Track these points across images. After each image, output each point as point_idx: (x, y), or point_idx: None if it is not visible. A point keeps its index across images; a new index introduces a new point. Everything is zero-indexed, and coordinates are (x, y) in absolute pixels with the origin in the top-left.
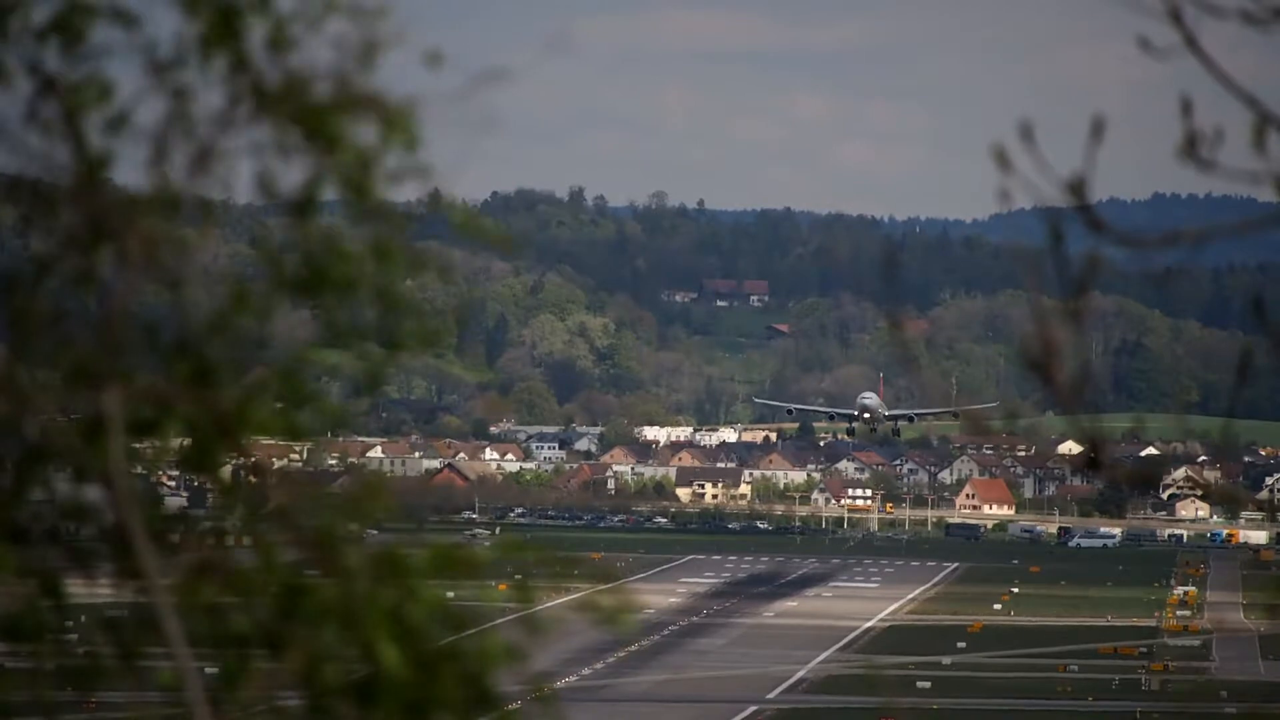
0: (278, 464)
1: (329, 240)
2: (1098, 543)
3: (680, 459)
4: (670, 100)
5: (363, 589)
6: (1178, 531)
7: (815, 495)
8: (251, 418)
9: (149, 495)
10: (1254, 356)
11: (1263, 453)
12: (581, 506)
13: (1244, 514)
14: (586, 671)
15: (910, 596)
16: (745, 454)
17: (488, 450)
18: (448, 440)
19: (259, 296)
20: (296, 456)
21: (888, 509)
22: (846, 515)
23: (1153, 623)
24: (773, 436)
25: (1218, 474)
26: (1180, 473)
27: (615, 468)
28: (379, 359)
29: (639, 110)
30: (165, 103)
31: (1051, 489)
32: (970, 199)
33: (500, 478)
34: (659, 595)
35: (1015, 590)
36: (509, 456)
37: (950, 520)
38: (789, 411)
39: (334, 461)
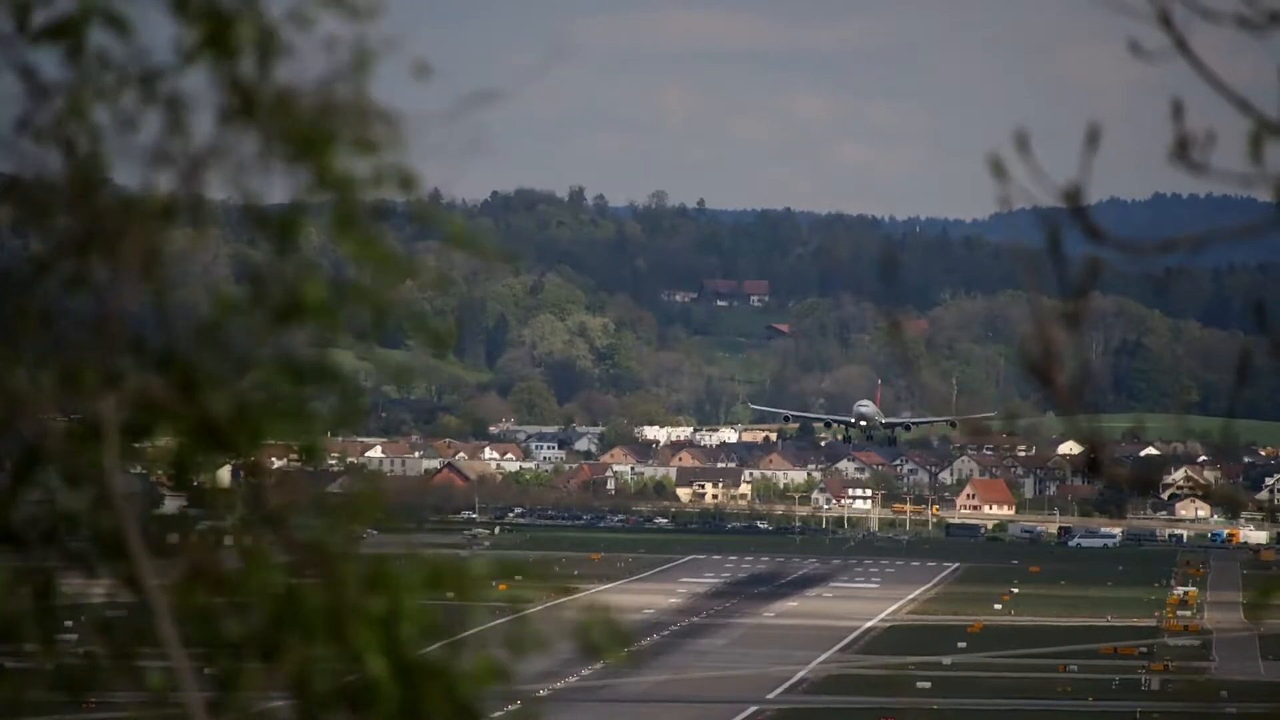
0: (276, 465)
1: (309, 270)
2: (1098, 543)
3: (680, 459)
4: (670, 100)
5: (353, 599)
6: (1178, 531)
7: (815, 495)
8: (246, 423)
9: (149, 497)
10: (1253, 357)
11: (1263, 453)
12: (581, 506)
13: (1244, 514)
14: (586, 671)
15: (910, 597)
16: (745, 454)
17: (487, 450)
18: (448, 440)
19: (246, 317)
20: (295, 457)
21: (897, 508)
22: (894, 518)
23: (1153, 623)
24: (773, 436)
25: (1218, 474)
26: (1180, 473)
27: (615, 468)
28: (396, 363)
29: (639, 110)
30: (158, 107)
31: (1052, 489)
32: (970, 199)
33: (500, 478)
34: (659, 595)
35: (1015, 590)
36: (509, 456)
37: (950, 520)
38: (785, 419)
39: (333, 461)
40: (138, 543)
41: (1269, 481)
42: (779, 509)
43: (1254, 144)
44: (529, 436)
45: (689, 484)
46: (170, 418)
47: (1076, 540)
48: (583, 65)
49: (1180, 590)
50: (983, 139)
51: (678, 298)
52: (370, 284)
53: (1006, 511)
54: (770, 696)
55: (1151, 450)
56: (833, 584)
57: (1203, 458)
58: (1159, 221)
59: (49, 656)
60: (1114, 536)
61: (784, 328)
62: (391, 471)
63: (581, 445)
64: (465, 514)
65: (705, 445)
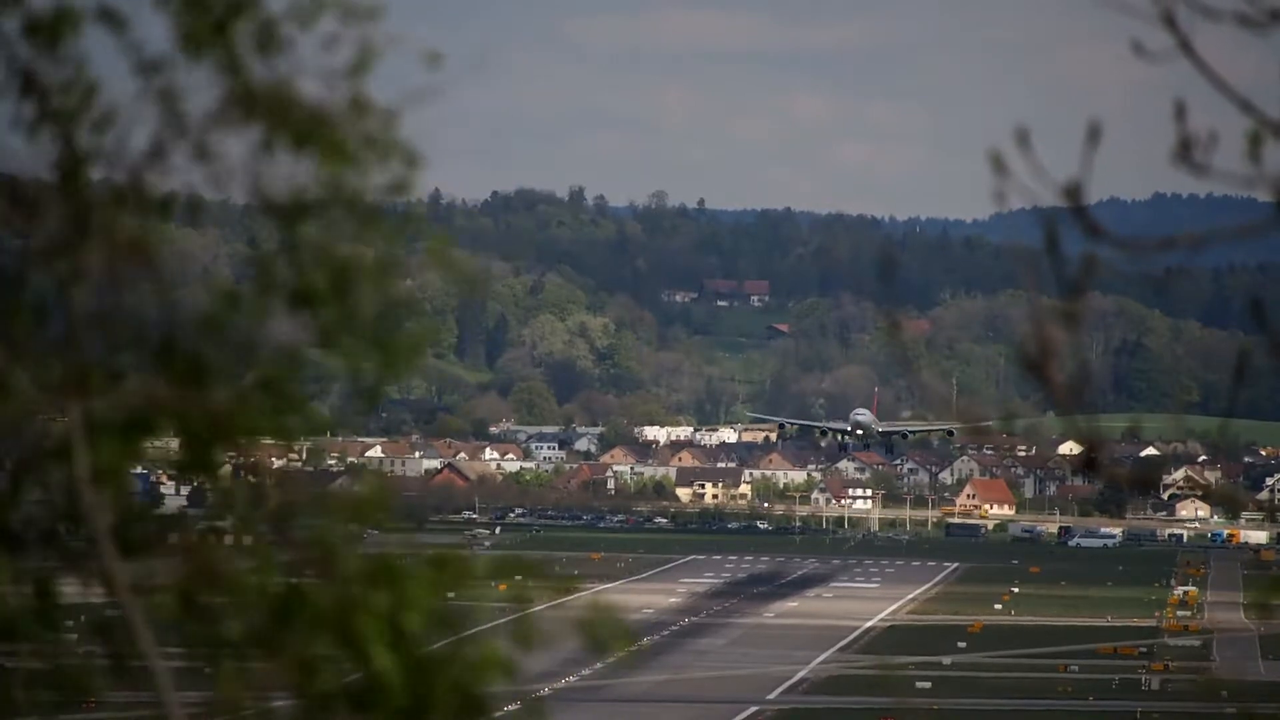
0: (277, 464)
1: (321, 249)
2: (1097, 543)
3: (680, 459)
4: (670, 100)
5: (357, 595)
6: (1178, 531)
7: (815, 495)
8: (243, 420)
9: (150, 496)
10: (1252, 357)
11: (1263, 453)
12: (581, 506)
13: (1244, 514)
14: (586, 671)
15: (910, 596)
16: (745, 454)
17: (488, 450)
18: (448, 440)
19: (250, 300)
20: (296, 457)
21: (946, 510)
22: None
23: (1153, 623)
24: (773, 436)
25: (1217, 474)
26: (1180, 473)
27: (615, 468)
28: (374, 370)
29: (639, 110)
30: (155, 103)
31: (1052, 489)
32: (970, 199)
33: (500, 478)
34: (659, 595)
35: (1015, 590)
36: (509, 456)
37: (950, 520)
38: (781, 426)
39: (334, 461)
40: (109, 547)
41: (1269, 481)
42: (779, 509)
43: (1254, 144)
44: (529, 437)
45: (689, 484)
46: (171, 414)
47: (1076, 540)
48: (583, 65)
49: (1180, 590)
50: (983, 139)
51: (678, 298)
52: (373, 271)
53: (1007, 511)
54: (770, 696)
55: (1151, 450)
56: (833, 584)
57: (1202, 458)
58: (1159, 221)
59: (48, 657)
60: (1114, 536)
61: (784, 328)
62: (391, 471)
63: (581, 445)
64: (466, 514)
65: (705, 445)
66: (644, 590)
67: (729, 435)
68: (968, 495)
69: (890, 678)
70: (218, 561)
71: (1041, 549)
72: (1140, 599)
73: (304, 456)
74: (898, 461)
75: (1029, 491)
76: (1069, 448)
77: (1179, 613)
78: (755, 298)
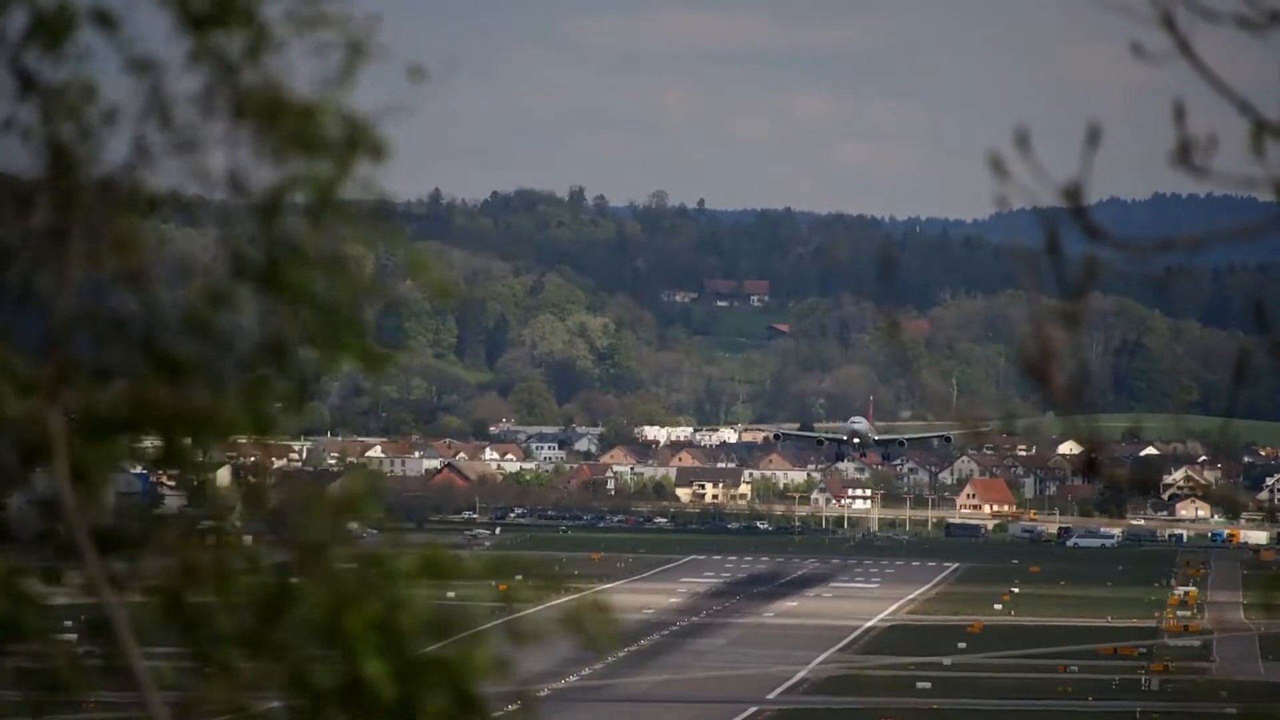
0: (276, 464)
1: (291, 239)
2: (1095, 543)
3: (680, 459)
4: (670, 100)
5: (347, 597)
6: (1178, 531)
7: (815, 495)
8: (225, 416)
9: (149, 496)
10: (1252, 357)
11: (1263, 453)
12: (581, 506)
13: (1244, 514)
14: (586, 671)
15: (910, 597)
16: (745, 454)
17: (488, 450)
18: (448, 440)
19: (220, 285)
20: (295, 456)
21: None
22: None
23: (1153, 623)
24: (772, 436)
25: (1217, 474)
26: (1180, 473)
27: (615, 468)
28: (313, 366)
29: (639, 110)
30: (143, 100)
31: (1052, 489)
32: (970, 199)
33: (500, 478)
34: (659, 595)
35: (1015, 590)
36: (509, 456)
37: (951, 520)
38: (776, 436)
39: (333, 461)
40: (89, 548)
41: (1269, 481)
42: (779, 509)
43: (1254, 144)
44: (529, 437)
45: (689, 484)
46: (158, 411)
47: (1074, 540)
48: (583, 65)
49: (1180, 590)
50: (983, 139)
51: (678, 298)
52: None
53: (1007, 511)
54: (770, 696)
55: (1151, 450)
56: (833, 584)
57: (1202, 458)
58: (1159, 221)
59: (36, 657)
60: (1112, 537)
61: (784, 328)
62: (391, 471)
63: (581, 445)
64: (466, 514)
65: (705, 445)
66: (644, 590)
67: (729, 435)
68: (968, 495)
69: (890, 677)
70: (205, 561)
71: (1042, 549)
72: (1140, 599)
73: (304, 457)
74: (897, 462)
75: (1029, 492)
76: (1069, 448)
77: (1179, 613)
78: (755, 298)
